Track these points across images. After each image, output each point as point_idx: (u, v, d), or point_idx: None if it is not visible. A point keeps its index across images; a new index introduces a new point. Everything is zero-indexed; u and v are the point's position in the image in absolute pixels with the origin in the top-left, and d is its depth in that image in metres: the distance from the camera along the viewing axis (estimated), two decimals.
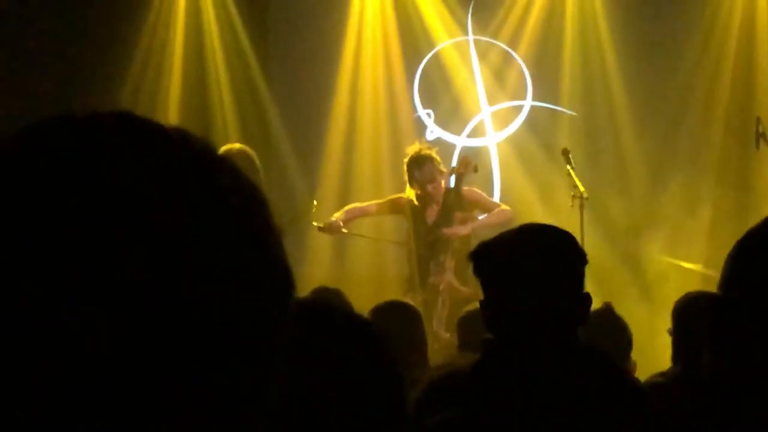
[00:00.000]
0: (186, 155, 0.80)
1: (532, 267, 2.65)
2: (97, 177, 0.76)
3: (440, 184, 7.51)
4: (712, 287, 1.76)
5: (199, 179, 0.79)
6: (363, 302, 5.20)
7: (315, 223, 7.79)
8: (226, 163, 0.82)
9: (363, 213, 7.89)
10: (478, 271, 2.72)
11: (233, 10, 9.13)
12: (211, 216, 0.78)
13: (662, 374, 4.24)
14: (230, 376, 0.78)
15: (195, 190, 0.78)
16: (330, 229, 7.68)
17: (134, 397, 0.74)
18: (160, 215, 0.76)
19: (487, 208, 7.70)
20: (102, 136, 0.79)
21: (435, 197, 7.52)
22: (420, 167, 7.43)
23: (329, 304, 1.80)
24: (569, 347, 2.64)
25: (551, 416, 2.52)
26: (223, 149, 7.36)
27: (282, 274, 0.82)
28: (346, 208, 7.86)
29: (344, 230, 7.72)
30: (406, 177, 7.56)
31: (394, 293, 7.55)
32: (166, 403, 0.75)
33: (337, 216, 7.69)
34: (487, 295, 2.71)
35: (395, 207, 7.78)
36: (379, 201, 7.92)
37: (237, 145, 7.53)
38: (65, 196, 0.75)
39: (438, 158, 7.51)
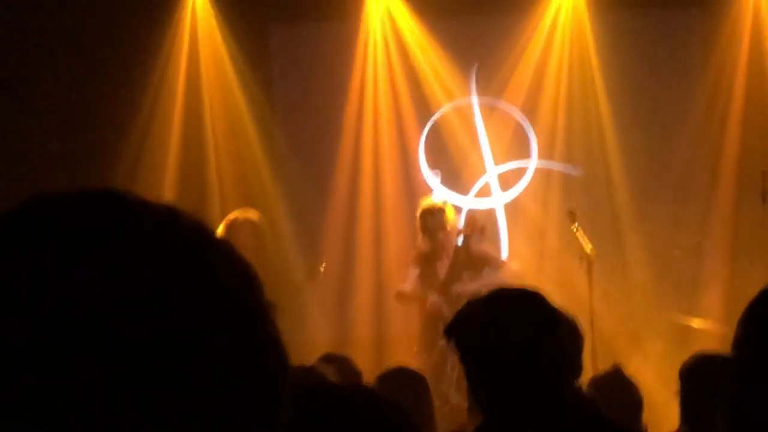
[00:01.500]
0: (174, 235, 0.78)
1: (505, 334, 2.61)
2: (79, 263, 0.73)
3: (451, 234, 7.56)
4: (727, 347, 1.74)
5: (187, 260, 0.77)
6: (369, 365, 5.16)
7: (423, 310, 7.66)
8: (217, 242, 0.80)
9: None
10: (455, 347, 2.68)
11: (234, 75, 9.11)
12: (199, 298, 0.76)
13: None
14: None
15: (182, 271, 0.76)
16: (438, 312, 7.54)
17: None
18: (143, 299, 0.73)
19: (496, 265, 7.72)
20: (87, 218, 0.77)
21: (446, 248, 7.57)
22: (432, 215, 7.62)
23: (347, 388, 1.80)
24: (562, 408, 2.61)
25: None
26: (231, 216, 7.35)
27: (274, 353, 0.80)
28: (409, 287, 7.72)
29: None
30: (419, 226, 7.69)
31: (399, 355, 7.50)
32: None
33: (432, 299, 7.57)
34: (469, 369, 2.67)
35: (416, 263, 7.74)
36: (409, 264, 7.85)
37: (245, 214, 7.47)
38: (41, 284, 0.72)
39: (451, 210, 7.63)
